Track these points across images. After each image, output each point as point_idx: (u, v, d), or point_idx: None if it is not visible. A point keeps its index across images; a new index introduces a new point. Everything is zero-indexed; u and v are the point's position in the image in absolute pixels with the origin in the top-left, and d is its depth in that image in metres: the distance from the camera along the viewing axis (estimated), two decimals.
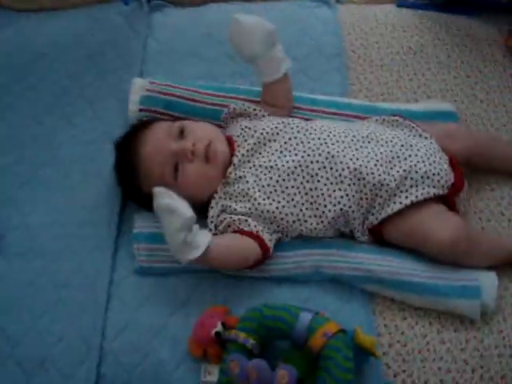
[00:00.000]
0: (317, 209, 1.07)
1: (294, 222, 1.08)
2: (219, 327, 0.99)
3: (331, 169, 1.06)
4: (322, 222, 1.07)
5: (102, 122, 1.30)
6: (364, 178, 1.06)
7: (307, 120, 1.20)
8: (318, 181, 1.06)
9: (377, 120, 1.18)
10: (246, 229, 1.05)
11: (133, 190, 1.16)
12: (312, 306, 1.04)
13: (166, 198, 0.97)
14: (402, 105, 1.27)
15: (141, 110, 1.26)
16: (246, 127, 1.15)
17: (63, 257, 1.14)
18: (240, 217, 1.06)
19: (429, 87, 1.31)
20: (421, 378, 1.00)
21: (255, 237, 1.04)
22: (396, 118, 1.16)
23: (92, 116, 1.32)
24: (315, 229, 1.08)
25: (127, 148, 1.15)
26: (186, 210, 0.96)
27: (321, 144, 1.08)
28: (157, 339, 1.04)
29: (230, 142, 1.15)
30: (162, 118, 1.24)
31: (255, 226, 1.05)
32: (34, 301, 1.09)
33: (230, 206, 1.08)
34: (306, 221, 1.08)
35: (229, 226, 1.07)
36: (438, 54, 1.36)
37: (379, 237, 1.09)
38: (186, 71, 1.36)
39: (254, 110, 1.20)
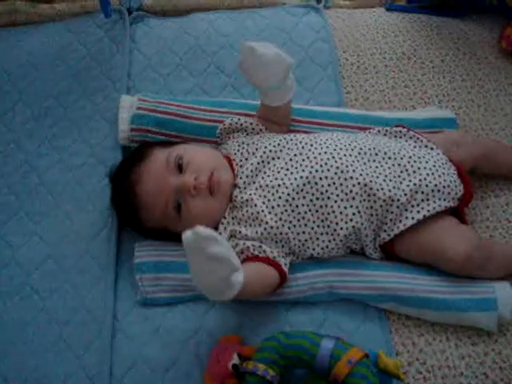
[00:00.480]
0: (328, 226, 1.04)
1: (306, 240, 1.04)
2: (236, 359, 0.95)
3: (341, 185, 1.03)
4: (334, 239, 1.04)
5: (90, 145, 1.24)
6: (374, 194, 1.02)
7: (307, 133, 1.16)
8: (329, 198, 1.03)
9: (379, 131, 1.15)
10: (261, 255, 1.01)
11: (133, 224, 1.10)
12: (328, 328, 1.03)
13: (215, 246, 0.84)
14: (400, 113, 1.24)
15: (132, 130, 1.20)
16: (243, 143, 1.11)
17: (61, 292, 1.08)
18: (253, 242, 1.02)
19: (425, 93, 1.29)
20: None
21: (273, 263, 1.00)
22: (399, 128, 1.13)
23: (78, 138, 1.25)
24: (327, 247, 1.04)
25: (123, 185, 1.08)
26: (234, 256, 0.88)
27: (328, 159, 1.05)
28: (169, 375, 0.99)
29: (228, 161, 1.10)
30: (155, 137, 1.19)
31: (271, 252, 1.01)
32: (34, 341, 1.04)
33: (240, 232, 1.03)
34: (317, 238, 1.04)
35: (242, 253, 1.02)
36: (432, 59, 1.34)
37: (391, 252, 1.06)
38: (174, 86, 1.31)
39: (251, 124, 1.15)
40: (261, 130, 1.15)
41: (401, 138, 1.13)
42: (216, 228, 1.06)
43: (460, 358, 1.01)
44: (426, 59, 1.34)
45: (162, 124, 1.20)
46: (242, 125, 1.16)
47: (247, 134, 1.16)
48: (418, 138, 1.12)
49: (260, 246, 1.02)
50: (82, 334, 1.04)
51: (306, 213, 1.04)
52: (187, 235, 0.83)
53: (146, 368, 1.00)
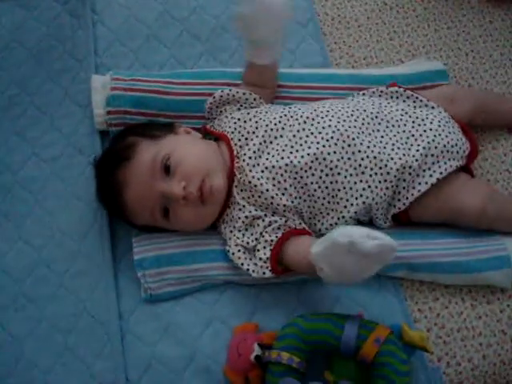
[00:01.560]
0: (338, 203, 1.00)
1: (315, 216, 1.00)
2: (257, 350, 0.91)
3: (349, 159, 0.98)
4: (344, 216, 1.00)
5: (64, 134, 1.14)
6: (386, 166, 0.98)
7: (300, 99, 1.11)
8: (339, 173, 0.98)
9: (373, 92, 1.09)
10: (299, 227, 0.97)
11: (124, 220, 1.03)
12: (343, 303, 1.00)
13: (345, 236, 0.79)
14: (390, 69, 1.19)
15: (108, 113, 1.10)
16: (240, 120, 1.04)
17: (58, 299, 1.00)
18: (279, 218, 0.98)
19: (411, 44, 1.24)
20: (464, 357, 0.98)
21: (298, 231, 0.97)
22: (395, 88, 1.08)
23: (50, 127, 1.15)
24: (336, 223, 1.00)
25: (109, 184, 1.00)
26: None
27: (333, 132, 0.99)
28: (188, 373, 0.95)
29: (225, 140, 1.03)
30: (135, 118, 1.10)
31: (300, 223, 0.99)
32: (37, 353, 0.96)
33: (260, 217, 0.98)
34: (327, 214, 1.00)
35: (278, 228, 0.97)
36: (414, 7, 1.28)
37: (402, 219, 1.03)
38: (147, 59, 1.21)
39: (244, 94, 1.08)
40: (255, 99, 1.08)
41: (397, 98, 1.08)
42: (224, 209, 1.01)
43: (477, 317, 1.01)
44: (408, 8, 1.28)
45: (141, 103, 1.11)
46: (234, 96, 1.08)
47: (241, 106, 1.08)
48: (416, 98, 1.07)
49: (294, 220, 0.98)
50: (89, 340, 0.97)
51: (315, 190, 0.99)
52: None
53: (162, 368, 0.95)
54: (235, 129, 1.04)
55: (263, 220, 0.98)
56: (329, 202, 1.00)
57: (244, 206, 0.99)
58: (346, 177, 0.98)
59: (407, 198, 1.00)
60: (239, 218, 0.99)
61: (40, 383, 0.94)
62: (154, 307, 1.00)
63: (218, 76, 1.15)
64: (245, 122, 1.03)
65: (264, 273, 0.95)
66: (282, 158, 0.99)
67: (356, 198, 0.99)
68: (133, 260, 1.01)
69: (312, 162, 0.98)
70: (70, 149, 1.12)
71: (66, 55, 1.20)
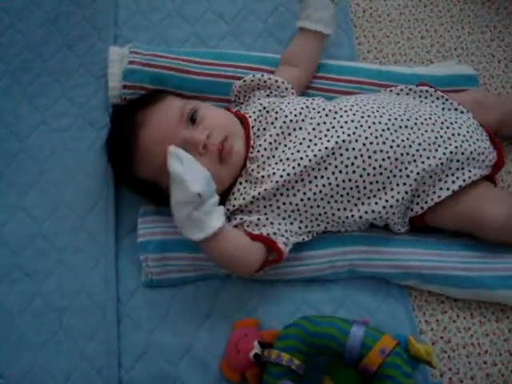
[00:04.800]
0: (348, 201, 0.95)
1: (319, 215, 0.96)
2: (257, 348, 0.88)
3: (369, 157, 0.93)
4: (353, 216, 0.96)
5: (75, 103, 1.10)
6: (406, 168, 0.94)
7: (323, 90, 1.08)
8: (354, 171, 0.93)
9: (402, 90, 1.04)
10: (254, 232, 0.92)
11: (123, 172, 0.99)
12: (348, 307, 0.97)
13: (178, 166, 0.83)
14: (418, 69, 1.14)
15: (124, 87, 1.06)
16: (264, 109, 0.99)
17: (56, 274, 0.97)
18: (251, 218, 0.93)
19: (443, 45, 1.19)
20: (467, 374, 0.95)
21: (267, 241, 0.91)
22: (425, 88, 1.03)
23: (62, 95, 1.11)
24: (343, 223, 0.96)
25: (124, 125, 0.96)
26: (196, 184, 0.82)
27: (356, 127, 0.94)
28: (183, 364, 0.92)
29: (246, 126, 0.99)
30: None
31: (271, 229, 0.93)
32: (30, 330, 0.94)
33: (247, 206, 0.95)
34: (333, 214, 0.96)
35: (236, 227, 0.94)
36: (450, 8, 1.23)
37: (419, 223, 0.99)
38: (168, 34, 1.17)
39: (276, 81, 1.04)
40: (286, 88, 1.04)
41: (426, 98, 1.03)
42: (225, 196, 0.96)
43: (484, 335, 0.98)
44: (443, 7, 1.23)
45: (159, 80, 1.07)
46: (265, 82, 1.04)
47: (270, 93, 1.04)
48: (446, 100, 1.02)
49: (257, 224, 0.93)
50: (84, 321, 0.94)
51: (324, 186, 0.94)
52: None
53: (157, 356, 0.92)
54: (258, 117, 0.99)
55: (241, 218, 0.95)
56: (336, 202, 0.95)
57: (237, 210, 0.96)
58: (361, 176, 0.94)
59: (426, 203, 0.96)
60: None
61: (29, 360, 0.91)
62: (154, 293, 0.97)
63: (241, 59, 1.11)
64: (267, 111, 0.99)
65: None
66: (298, 151, 0.94)
67: (369, 198, 0.94)
68: (136, 241, 0.97)
69: (328, 156, 0.93)
70: (81, 120, 1.08)
71: (84, 22, 1.15)
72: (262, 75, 1.04)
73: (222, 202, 0.95)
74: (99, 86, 1.10)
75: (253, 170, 0.95)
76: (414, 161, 0.94)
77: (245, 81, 1.04)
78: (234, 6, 1.19)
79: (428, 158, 0.95)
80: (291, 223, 0.95)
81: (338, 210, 0.96)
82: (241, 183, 0.97)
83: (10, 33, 1.13)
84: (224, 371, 0.91)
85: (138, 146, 0.94)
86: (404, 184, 0.94)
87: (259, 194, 0.93)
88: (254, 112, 1.00)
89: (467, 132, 0.98)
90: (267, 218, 0.94)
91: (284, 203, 0.94)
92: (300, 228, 0.96)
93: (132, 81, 1.06)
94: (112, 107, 1.08)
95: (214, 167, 0.92)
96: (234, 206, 0.96)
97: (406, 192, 0.94)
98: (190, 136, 0.93)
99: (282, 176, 0.93)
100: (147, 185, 0.97)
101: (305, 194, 0.94)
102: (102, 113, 1.08)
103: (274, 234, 0.93)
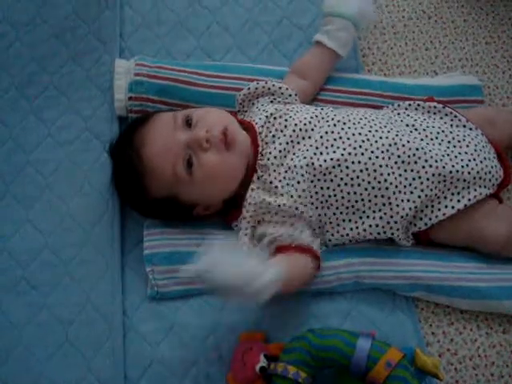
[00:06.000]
0: (353, 213, 0.96)
1: (325, 224, 0.96)
2: (263, 361, 0.88)
3: (375, 171, 0.93)
4: (357, 227, 0.96)
5: (82, 116, 1.10)
6: (410, 185, 0.94)
7: (330, 102, 1.09)
8: (359, 184, 0.94)
9: (410, 105, 1.04)
10: (293, 244, 0.92)
11: (137, 197, 0.98)
12: (355, 319, 0.97)
13: (212, 276, 0.78)
14: (423, 80, 1.14)
15: (130, 99, 1.06)
16: (271, 115, 0.99)
17: (62, 287, 0.97)
18: (283, 230, 0.93)
19: (447, 57, 1.19)
20: None
21: (306, 250, 0.92)
22: (434, 103, 1.03)
23: (67, 109, 1.11)
24: (347, 235, 0.97)
25: (126, 152, 0.96)
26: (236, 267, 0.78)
27: (362, 141, 0.94)
28: (189, 377, 0.91)
29: (250, 129, 0.99)
30: (157, 106, 1.07)
31: (302, 236, 0.93)
32: (36, 343, 0.93)
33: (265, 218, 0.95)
34: (338, 225, 0.96)
35: (271, 243, 0.93)
36: (453, 19, 1.23)
37: (423, 238, 0.99)
38: (173, 47, 1.17)
39: (280, 88, 1.04)
40: (290, 95, 1.04)
41: (435, 113, 1.02)
42: (241, 196, 0.96)
43: (491, 346, 0.97)
44: (447, 19, 1.23)
45: (165, 91, 1.07)
46: (269, 89, 1.04)
47: (274, 99, 1.04)
48: (455, 116, 1.02)
49: (292, 235, 0.93)
50: (90, 333, 0.94)
51: (330, 197, 0.95)
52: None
53: (163, 370, 0.92)
54: (264, 123, 0.99)
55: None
56: (341, 213, 0.96)
57: (248, 222, 0.95)
58: (366, 189, 0.94)
59: (430, 219, 0.96)
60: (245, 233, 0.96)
61: (36, 373, 0.91)
62: (160, 305, 0.97)
63: (247, 71, 1.11)
64: (275, 118, 0.99)
65: None
66: (305, 157, 0.95)
67: (374, 212, 0.95)
68: (142, 254, 0.97)
69: (334, 167, 0.93)
70: (87, 133, 1.08)
71: (90, 36, 1.16)
72: (266, 82, 1.05)
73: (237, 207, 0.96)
74: (105, 98, 1.10)
75: (266, 179, 0.95)
76: (419, 177, 0.94)
77: (249, 89, 1.05)
78: (239, 18, 1.20)
79: (433, 175, 0.95)
80: (307, 231, 0.96)
81: (343, 221, 0.96)
82: (253, 189, 0.96)
83: (17, 46, 1.14)
84: None
85: (144, 165, 0.94)
86: (408, 200, 0.94)
87: (279, 206, 0.93)
88: (260, 118, 1.00)
89: (475, 151, 0.98)
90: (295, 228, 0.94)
91: (288, 212, 0.94)
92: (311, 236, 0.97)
93: (138, 92, 1.07)
94: (118, 120, 1.09)
95: (223, 157, 0.93)
96: (248, 211, 0.95)
97: (410, 208, 0.95)
98: (190, 137, 0.93)
99: (293, 186, 0.93)
100: (167, 202, 0.97)
101: (312, 203, 0.95)
102: (107, 125, 1.08)
103: (309, 241, 0.94)
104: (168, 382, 0.91)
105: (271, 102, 1.05)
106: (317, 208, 0.96)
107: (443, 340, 0.98)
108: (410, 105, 1.04)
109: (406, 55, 1.20)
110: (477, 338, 0.98)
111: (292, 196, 0.93)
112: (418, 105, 1.03)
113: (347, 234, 0.97)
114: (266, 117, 1.00)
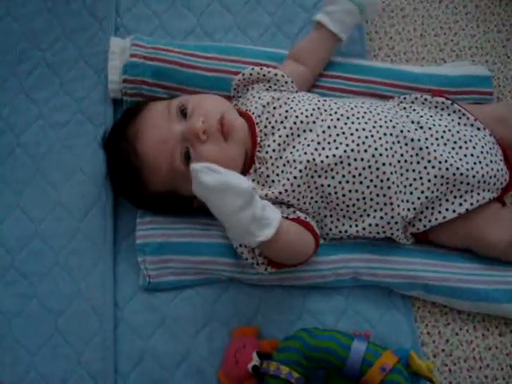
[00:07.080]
0: (354, 212, 0.93)
1: (323, 218, 0.94)
2: (256, 360, 0.87)
3: (377, 169, 0.90)
4: (357, 225, 0.93)
5: (74, 97, 1.06)
6: (411, 185, 0.91)
7: (331, 89, 1.05)
8: (361, 182, 0.90)
9: (416, 99, 0.99)
10: (290, 216, 0.89)
11: (135, 192, 0.95)
12: (350, 317, 0.96)
13: (212, 175, 0.74)
14: (431, 69, 1.09)
15: (124, 81, 1.02)
16: (269, 104, 0.95)
17: (53, 277, 0.95)
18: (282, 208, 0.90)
19: (457, 44, 1.14)
20: None
21: (305, 224, 0.88)
22: (442, 99, 0.98)
23: (60, 89, 1.06)
24: (346, 231, 0.94)
25: (120, 146, 0.92)
26: (240, 181, 0.76)
27: (366, 137, 0.90)
28: (180, 371, 0.90)
29: (248, 119, 0.94)
30: (152, 89, 1.02)
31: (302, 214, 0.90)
32: (25, 334, 0.92)
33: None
34: (338, 219, 0.94)
35: None
36: (465, 4, 1.18)
37: (421, 238, 0.97)
38: (171, 25, 1.12)
39: (276, 75, 0.99)
40: (286, 82, 1.00)
41: (442, 110, 0.98)
42: None
43: (487, 349, 0.96)
44: (458, 3, 1.18)
45: (161, 74, 1.03)
46: (264, 75, 1.00)
47: (270, 87, 1.00)
48: (463, 114, 0.97)
49: (294, 211, 0.90)
50: (80, 325, 0.92)
51: (330, 194, 0.92)
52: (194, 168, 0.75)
53: (154, 364, 0.91)
54: (262, 113, 0.95)
55: None
56: (341, 210, 0.93)
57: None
58: (368, 187, 0.91)
59: (430, 221, 0.93)
60: None
61: (25, 364, 0.90)
62: (152, 297, 0.95)
63: (247, 54, 1.07)
64: (274, 108, 0.95)
65: (266, 269, 0.90)
66: (305, 153, 0.91)
67: (375, 211, 0.92)
68: (135, 244, 0.95)
69: (336, 164, 0.90)
70: (80, 115, 1.04)
71: (84, 11, 1.10)
72: (262, 68, 1.00)
73: None
74: (99, 79, 1.06)
75: (263, 172, 0.92)
76: (421, 178, 0.91)
77: (243, 74, 1.00)
78: None
79: (435, 176, 0.92)
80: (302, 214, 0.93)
81: (344, 217, 0.94)
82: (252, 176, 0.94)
83: (7, 21, 1.08)
84: (222, 381, 0.89)
85: (140, 159, 0.90)
86: (407, 201, 0.92)
87: (270, 199, 0.90)
88: (256, 107, 0.96)
89: (481, 153, 0.94)
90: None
91: (293, 205, 0.91)
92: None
93: (133, 75, 1.02)
94: (112, 102, 1.04)
95: (222, 148, 0.89)
96: None
97: (409, 210, 0.92)
98: (186, 128, 0.89)
99: (288, 179, 0.90)
100: (167, 197, 0.94)
101: (312, 198, 0.92)
102: (101, 107, 1.04)
103: (308, 218, 0.91)
104: (159, 376, 0.90)
105: (266, 89, 1.00)
106: (316, 202, 0.93)
107: (438, 340, 0.96)
108: (416, 98, 0.99)
109: (413, 41, 1.15)
110: (473, 340, 0.97)
111: (286, 190, 0.90)
112: (425, 99, 0.99)
113: (346, 231, 0.95)
114: (263, 106, 0.95)
